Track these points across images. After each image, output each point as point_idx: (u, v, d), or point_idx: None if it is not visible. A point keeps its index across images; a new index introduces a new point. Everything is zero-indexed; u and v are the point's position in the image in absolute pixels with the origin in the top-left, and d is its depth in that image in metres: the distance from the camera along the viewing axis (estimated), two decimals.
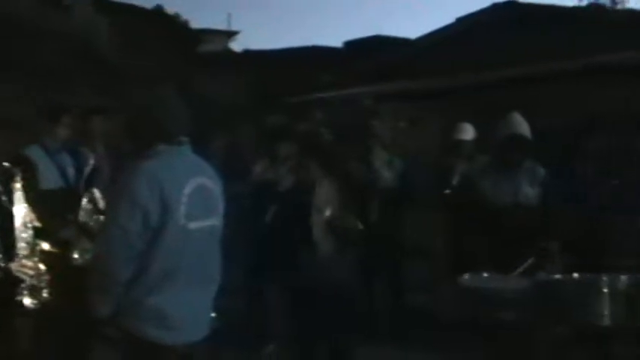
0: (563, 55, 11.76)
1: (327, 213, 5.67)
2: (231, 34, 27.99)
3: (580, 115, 9.47)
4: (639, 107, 9.85)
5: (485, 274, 4.82)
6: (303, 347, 6.01)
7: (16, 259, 4.64)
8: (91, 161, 5.89)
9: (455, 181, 7.70)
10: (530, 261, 5.02)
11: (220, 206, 3.81)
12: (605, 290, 4.18)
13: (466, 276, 4.77)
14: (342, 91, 13.85)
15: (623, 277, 4.20)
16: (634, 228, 6.69)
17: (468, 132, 8.20)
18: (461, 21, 13.96)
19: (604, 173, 7.23)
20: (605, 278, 4.22)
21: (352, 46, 20.37)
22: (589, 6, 22.59)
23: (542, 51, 11.95)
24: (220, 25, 28.73)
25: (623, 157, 7.13)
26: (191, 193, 3.59)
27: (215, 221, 3.77)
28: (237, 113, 15.57)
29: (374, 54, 15.82)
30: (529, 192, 5.40)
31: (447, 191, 7.70)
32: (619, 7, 24.98)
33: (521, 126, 5.45)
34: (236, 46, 27.18)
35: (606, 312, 4.18)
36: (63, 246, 5.23)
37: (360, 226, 5.81)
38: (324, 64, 17.24)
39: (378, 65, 14.51)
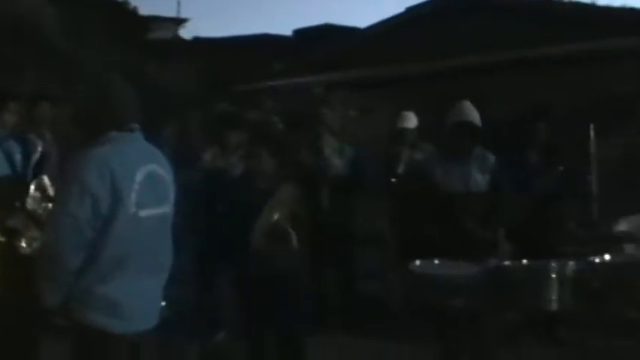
0: (510, 46, 11.91)
1: (279, 199, 5.66)
2: (180, 22, 27.78)
3: (526, 105, 9.60)
4: (584, 97, 10.00)
5: (435, 261, 4.85)
6: (254, 336, 6.00)
7: None
8: (39, 148, 5.80)
9: (400, 169, 7.76)
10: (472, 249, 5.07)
11: (171, 194, 3.78)
12: (554, 276, 4.24)
13: (417, 263, 4.79)
14: (292, 79, 13.84)
15: (571, 263, 4.27)
16: (577, 215, 6.80)
17: (411, 120, 8.28)
18: (410, 10, 14.03)
19: (549, 161, 7.35)
20: (553, 264, 4.28)
21: (302, 34, 20.37)
22: None
23: (490, 41, 12.09)
24: (170, 13, 28.59)
25: (567, 145, 7.25)
26: (142, 180, 3.55)
27: (166, 209, 3.74)
28: (187, 101, 15.49)
29: (324, 42, 15.83)
30: (479, 179, 5.45)
31: (393, 179, 7.75)
32: None
33: (471, 113, 5.49)
34: (186, 33, 27.04)
35: (554, 297, 4.24)
36: (10, 234, 5.16)
37: (307, 219, 5.78)
38: (274, 53, 17.22)
39: (328, 54, 14.53)
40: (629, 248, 6.17)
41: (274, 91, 13.62)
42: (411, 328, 7.49)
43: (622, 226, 7.17)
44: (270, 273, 5.64)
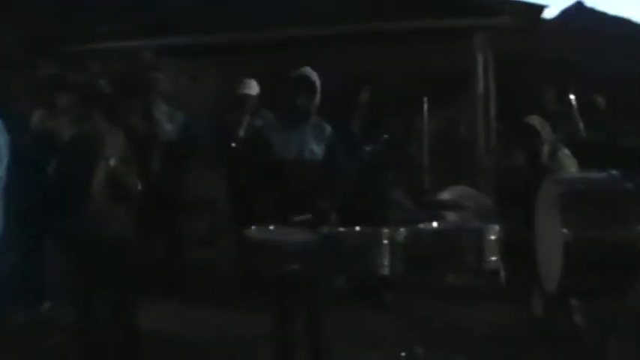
0: (344, 19, 12.13)
1: (112, 163, 5.53)
2: None
3: (355, 75, 9.84)
4: (416, 73, 10.32)
5: (270, 227, 4.89)
6: (82, 302, 5.85)
7: None
8: None
9: (241, 134, 7.77)
10: (305, 217, 5.16)
11: (4, 157, 3.61)
12: (386, 242, 4.36)
13: (251, 228, 4.82)
14: (121, 42, 13.47)
15: (402, 230, 4.40)
16: (402, 183, 7.02)
17: (252, 87, 8.29)
18: None
19: (376, 131, 7.58)
20: (385, 230, 4.40)
21: None
22: None
23: (324, 14, 12.26)
24: None
25: (396, 118, 7.49)
26: None
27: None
28: (10, 63, 14.79)
29: (156, 7, 15.51)
30: (315, 148, 5.52)
31: (233, 144, 7.75)
32: None
33: (313, 74, 5.56)
34: None
35: (386, 262, 4.37)
36: None
37: (139, 184, 5.68)
38: (103, 15, 16.72)
39: (159, 18, 14.24)
40: (452, 216, 6.50)
41: (103, 54, 13.21)
42: (244, 294, 7.57)
43: (446, 195, 7.52)
44: (100, 237, 5.51)
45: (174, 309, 7.49)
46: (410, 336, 4.50)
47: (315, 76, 5.55)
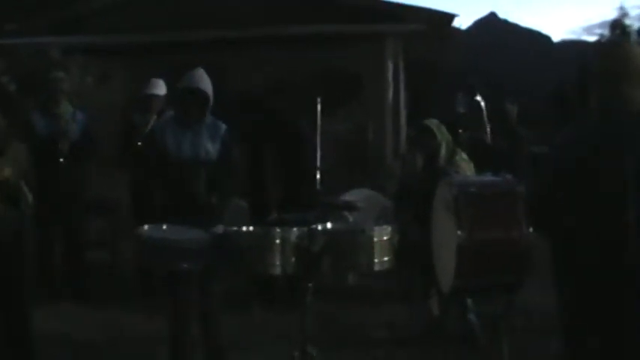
0: (256, 22, 12.19)
1: (6, 173, 5.41)
2: None
3: (264, 76, 9.87)
4: (318, 76, 10.42)
5: (164, 226, 4.86)
6: None
7: None
8: None
9: (144, 135, 7.71)
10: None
11: None
12: (278, 241, 4.37)
13: (145, 227, 4.78)
14: (27, 39, 13.24)
15: (295, 230, 4.42)
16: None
17: (160, 87, 8.25)
18: None
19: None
20: (278, 230, 4.41)
21: None
22: None
23: (234, 17, 12.29)
24: None
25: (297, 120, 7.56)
26: None
27: None
28: None
29: (66, 5, 15.29)
30: (209, 147, 5.51)
31: (139, 144, 7.70)
32: None
33: (203, 82, 5.54)
34: None
35: (278, 262, 4.38)
36: None
37: (30, 195, 5.56)
38: (10, 11, 16.39)
39: (68, 17, 14.04)
40: (350, 217, 6.58)
41: (7, 51, 12.97)
42: (143, 296, 7.52)
43: (347, 197, 7.61)
44: None
45: (71, 310, 7.38)
46: (304, 336, 4.51)
47: (204, 84, 5.51)
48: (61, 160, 7.74)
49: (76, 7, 14.56)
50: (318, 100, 4.55)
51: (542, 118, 17.83)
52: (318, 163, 4.65)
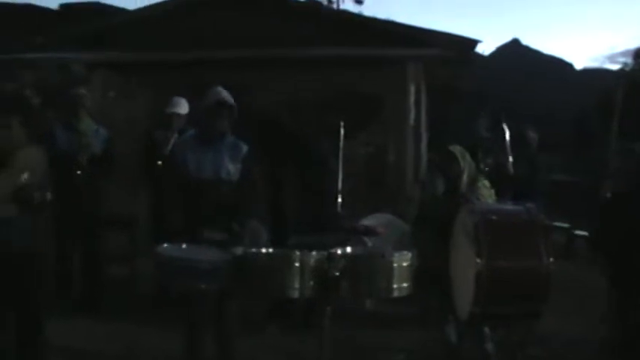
0: (278, 44, 12.21)
1: (24, 178, 5.42)
2: None
3: (286, 98, 9.86)
4: (338, 98, 10.40)
5: (183, 245, 4.86)
6: None
7: None
8: None
9: (167, 153, 7.73)
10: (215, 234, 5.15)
11: None
12: (297, 264, 4.35)
13: (164, 246, 4.77)
14: (52, 54, 13.33)
15: (314, 253, 4.40)
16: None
17: (182, 106, 8.28)
18: None
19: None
20: (297, 253, 4.39)
21: (68, 9, 19.73)
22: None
23: (258, 37, 12.32)
24: None
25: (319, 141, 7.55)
26: None
27: None
28: None
29: (90, 20, 15.41)
30: (230, 167, 5.52)
31: (159, 163, 7.72)
32: (334, 6, 26.68)
33: (230, 97, 5.56)
34: None
35: (296, 285, 4.36)
36: None
37: (49, 196, 5.56)
38: (37, 25, 16.53)
39: (93, 32, 14.13)
40: (369, 241, 6.55)
41: (33, 64, 13.05)
42: (158, 312, 7.51)
43: (366, 222, 7.59)
44: (12, 250, 5.39)
45: (87, 323, 7.38)
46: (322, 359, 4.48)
47: (231, 99, 5.55)
48: (79, 172, 7.77)
49: (100, 23, 14.69)
50: (341, 123, 4.55)
51: (563, 145, 17.78)
52: (340, 186, 4.64)
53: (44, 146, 6.38)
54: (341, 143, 4.61)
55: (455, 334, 6.52)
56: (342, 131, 4.63)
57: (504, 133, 8.71)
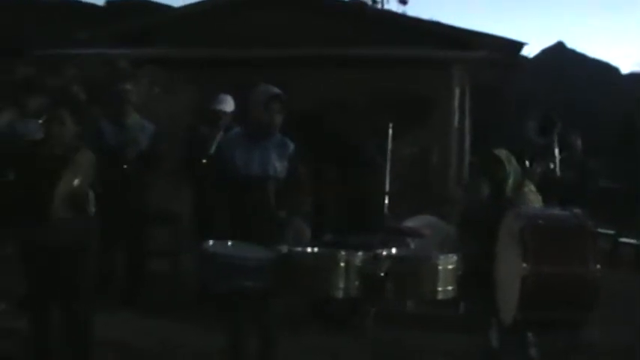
0: (319, 42, 12.20)
1: (76, 183, 5.49)
2: None
3: (328, 97, 9.85)
4: (385, 98, 10.38)
5: (229, 243, 4.86)
6: (37, 308, 5.78)
7: None
8: None
9: (212, 151, 7.73)
10: None
11: None
12: (342, 264, 4.35)
13: (209, 242, 4.78)
14: (98, 49, 13.46)
15: (359, 253, 4.39)
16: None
17: (228, 104, 8.26)
18: None
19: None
20: (343, 253, 4.39)
21: (114, 5, 19.92)
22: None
23: (301, 36, 12.33)
24: None
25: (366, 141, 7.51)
26: None
27: None
28: None
29: (136, 17, 15.53)
30: (278, 165, 5.52)
31: (204, 160, 7.73)
32: (378, 6, 26.85)
33: (278, 91, 5.57)
34: None
35: (341, 285, 4.35)
36: None
37: (92, 196, 5.62)
38: (82, 20, 16.69)
39: (139, 29, 14.25)
40: (412, 243, 6.51)
41: (79, 59, 13.19)
42: (201, 309, 7.52)
43: (411, 222, 7.54)
44: (64, 243, 5.46)
45: (130, 318, 7.42)
46: None
47: (283, 95, 5.55)
48: (125, 166, 7.80)
49: (146, 20, 14.80)
50: (390, 125, 4.53)
51: (608, 150, 17.54)
52: (387, 188, 4.62)
53: (92, 142, 6.47)
54: (389, 145, 4.59)
55: (498, 340, 6.45)
56: (390, 132, 4.60)
57: (557, 138, 8.60)
